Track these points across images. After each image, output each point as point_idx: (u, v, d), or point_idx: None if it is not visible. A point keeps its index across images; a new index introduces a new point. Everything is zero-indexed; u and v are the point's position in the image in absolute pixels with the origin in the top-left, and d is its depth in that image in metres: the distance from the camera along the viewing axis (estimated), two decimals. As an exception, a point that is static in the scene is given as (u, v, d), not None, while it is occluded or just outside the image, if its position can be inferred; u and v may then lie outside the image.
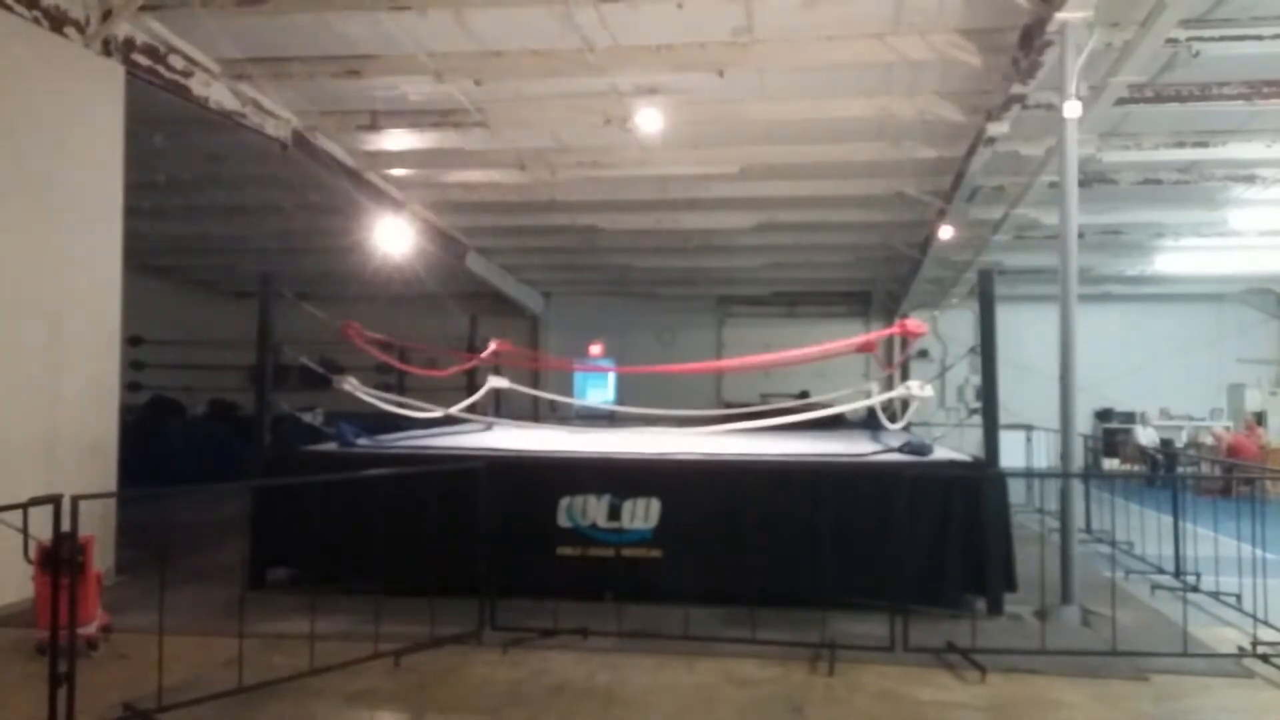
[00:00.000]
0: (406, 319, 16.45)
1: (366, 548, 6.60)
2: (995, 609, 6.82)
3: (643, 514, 7.12)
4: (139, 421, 14.29)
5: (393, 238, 12.60)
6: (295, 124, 10.32)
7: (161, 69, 8.38)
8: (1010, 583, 6.92)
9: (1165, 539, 8.41)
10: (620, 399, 18.43)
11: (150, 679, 4.78)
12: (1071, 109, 6.98)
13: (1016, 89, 8.29)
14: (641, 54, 8.46)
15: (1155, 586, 7.81)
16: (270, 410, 7.92)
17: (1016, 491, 10.46)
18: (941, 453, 8.02)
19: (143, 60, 8.16)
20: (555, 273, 19.34)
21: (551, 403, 15.06)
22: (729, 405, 17.29)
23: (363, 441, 8.28)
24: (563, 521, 7.18)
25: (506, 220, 14.84)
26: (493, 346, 12.12)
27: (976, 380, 9.97)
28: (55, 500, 4.33)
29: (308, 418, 8.69)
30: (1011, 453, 8.42)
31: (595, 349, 20.27)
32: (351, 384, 8.67)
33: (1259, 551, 6.45)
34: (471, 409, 10.83)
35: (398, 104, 9.96)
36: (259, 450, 7.77)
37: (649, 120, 9.51)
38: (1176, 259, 15.71)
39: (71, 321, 7.63)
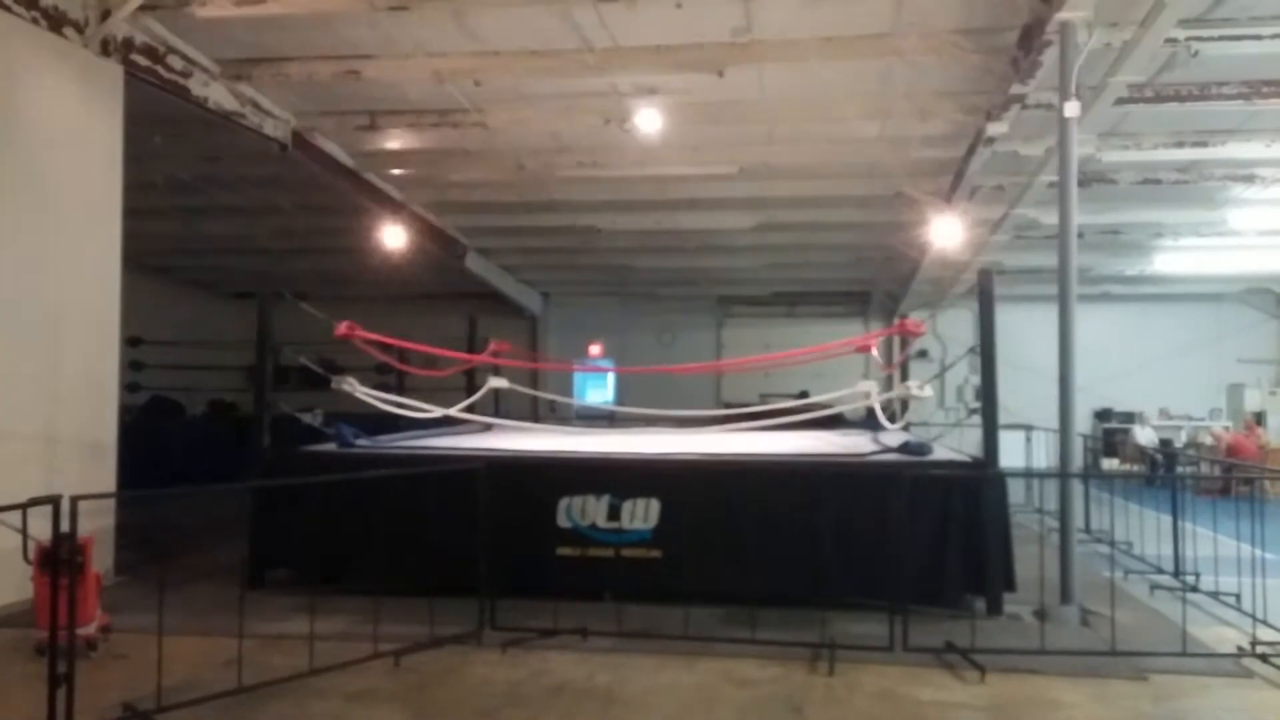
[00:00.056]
0: (406, 319, 16.45)
1: (366, 548, 6.60)
2: (995, 609, 6.82)
3: (642, 514, 7.12)
4: (138, 422, 14.28)
5: (392, 238, 12.61)
6: (294, 124, 10.33)
7: (160, 69, 8.38)
8: (1010, 583, 6.92)
9: (1164, 539, 8.42)
10: (620, 399, 18.44)
11: (149, 679, 4.78)
12: (1071, 109, 6.99)
13: (1016, 89, 8.29)
14: (641, 54, 8.46)
15: (1154, 586, 7.81)
16: (269, 411, 7.92)
17: (1016, 491, 10.47)
18: (941, 453, 8.03)
19: (141, 60, 8.16)
20: (554, 273, 19.33)
21: (551, 403, 15.07)
22: (728, 405, 17.28)
23: (362, 442, 8.28)
24: (562, 522, 7.19)
25: (506, 220, 14.83)
26: (492, 347, 12.12)
27: (976, 380, 9.98)
28: (54, 501, 4.32)
29: (307, 418, 8.69)
30: (1011, 453, 8.43)
31: (595, 349, 20.27)
32: (351, 384, 8.67)
33: (1258, 551, 6.46)
34: (471, 409, 10.83)
35: (397, 104, 9.95)
36: (258, 451, 7.77)
37: (648, 120, 9.51)
38: (1176, 259, 15.71)
39: (70, 322, 7.63)
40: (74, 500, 4.33)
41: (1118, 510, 9.69)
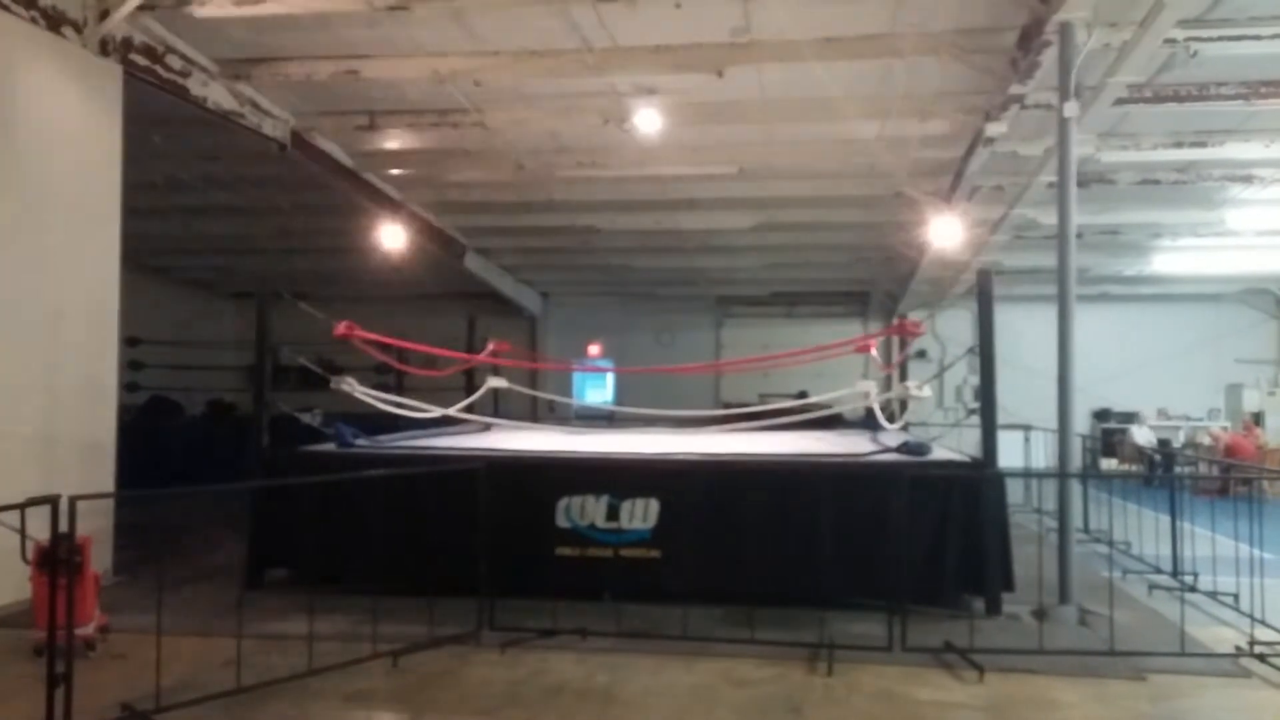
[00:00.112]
0: (405, 319, 16.45)
1: (365, 548, 6.61)
2: (993, 609, 6.82)
3: (641, 514, 7.12)
4: (137, 422, 14.26)
5: (391, 238, 12.60)
6: (293, 124, 10.32)
7: (159, 69, 8.37)
8: (1008, 582, 6.93)
9: (1163, 539, 8.42)
10: (619, 399, 18.43)
11: (148, 679, 4.78)
12: (1070, 109, 7.00)
13: (1015, 89, 8.29)
14: (640, 54, 8.46)
15: (1153, 586, 7.81)
16: (268, 411, 7.91)
17: (1014, 491, 10.48)
18: (940, 453, 8.03)
19: (140, 60, 8.16)
20: (554, 273, 19.33)
21: (550, 403, 15.07)
22: (728, 405, 17.29)
23: (361, 442, 8.27)
24: (561, 522, 7.18)
25: (505, 220, 14.83)
26: (491, 347, 12.12)
27: (975, 380, 9.99)
28: (53, 501, 4.32)
29: (306, 418, 8.69)
30: (1009, 453, 8.43)
31: (594, 349, 20.27)
32: (350, 384, 8.66)
33: (1256, 551, 6.46)
34: (470, 409, 10.83)
35: (396, 104, 9.95)
36: (257, 451, 7.76)
37: (648, 120, 9.51)
38: (1174, 259, 15.72)
39: (69, 322, 7.63)
40: (72, 500, 4.33)
41: (1116, 510, 9.69)
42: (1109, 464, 17.38)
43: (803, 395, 13.79)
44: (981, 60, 8.16)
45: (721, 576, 6.81)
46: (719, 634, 6.13)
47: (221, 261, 17.71)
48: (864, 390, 9.80)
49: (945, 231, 11.98)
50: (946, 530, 6.89)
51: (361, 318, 9.18)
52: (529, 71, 8.79)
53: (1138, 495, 10.01)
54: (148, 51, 8.23)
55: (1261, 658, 5.74)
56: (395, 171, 12.32)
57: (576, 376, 19.84)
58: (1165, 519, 8.47)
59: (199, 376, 17.31)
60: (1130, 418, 17.86)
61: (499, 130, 10.36)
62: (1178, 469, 15.09)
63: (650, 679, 5.45)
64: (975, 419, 7.65)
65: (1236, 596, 6.80)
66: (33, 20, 7.20)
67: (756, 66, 8.63)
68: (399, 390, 11.71)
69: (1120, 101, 8.49)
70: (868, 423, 11.21)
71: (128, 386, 14.56)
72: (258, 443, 7.78)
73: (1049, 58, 7.39)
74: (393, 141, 11.06)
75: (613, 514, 7.14)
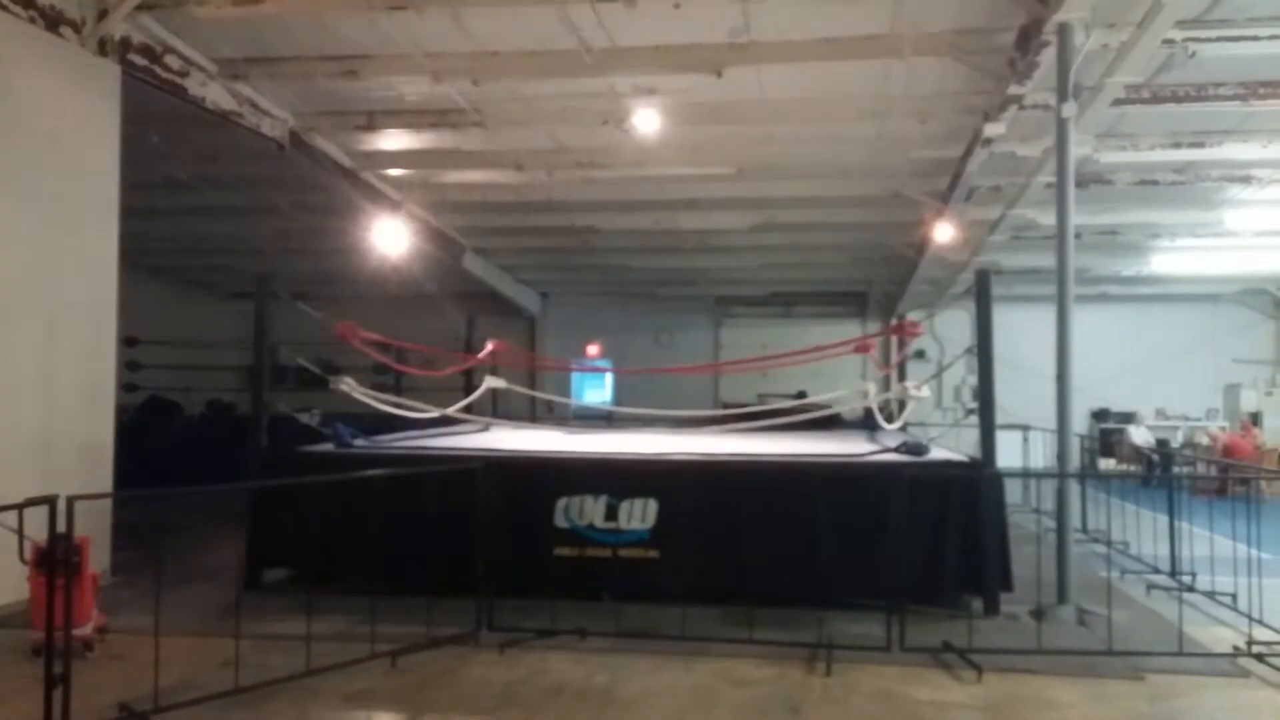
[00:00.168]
0: (403, 319, 16.41)
1: (363, 548, 6.60)
2: (991, 609, 6.82)
3: (640, 514, 7.12)
4: (135, 422, 14.25)
5: (389, 238, 12.57)
6: (292, 124, 10.31)
7: (158, 69, 8.36)
8: (1007, 582, 6.93)
9: (1161, 539, 8.43)
10: (618, 399, 18.44)
11: (146, 680, 4.78)
12: (1068, 110, 7.00)
13: (1013, 89, 8.29)
14: (639, 54, 8.45)
15: (1151, 586, 7.82)
16: (267, 411, 7.91)
17: (1013, 491, 10.48)
18: (938, 453, 8.03)
19: (139, 60, 8.15)
20: (552, 273, 19.33)
21: (549, 403, 15.06)
22: (726, 406, 17.29)
23: (360, 442, 8.27)
24: (560, 522, 7.18)
25: (504, 220, 14.83)
26: (490, 347, 12.11)
27: (973, 380, 10.00)
28: (51, 501, 4.32)
29: (304, 418, 8.68)
30: (1008, 453, 8.43)
31: (593, 349, 20.27)
32: (348, 384, 8.65)
33: (1254, 551, 6.47)
34: (469, 409, 10.82)
35: (395, 104, 9.94)
36: (256, 451, 7.75)
37: (646, 121, 9.51)
38: (1173, 259, 15.73)
39: (67, 322, 7.62)
40: (70, 500, 4.33)
41: (1114, 510, 9.70)
42: (1107, 464, 17.40)
43: (801, 395, 13.83)
44: (980, 61, 8.17)
45: (720, 576, 6.81)
46: (718, 634, 6.13)
47: (220, 261, 17.70)
48: (863, 390, 9.80)
49: (944, 232, 12.01)
50: (945, 530, 6.88)
51: (360, 318, 9.18)
52: (528, 72, 8.80)
53: (1136, 495, 10.02)
54: (146, 51, 8.22)
55: (1259, 657, 5.75)
56: (394, 171, 12.32)
57: (575, 376, 19.84)
58: (1163, 519, 8.47)
59: (197, 376, 17.29)
60: (1128, 418, 17.88)
61: (498, 130, 10.36)
62: (1176, 469, 15.10)
63: (649, 679, 5.45)
64: (974, 419, 7.65)
65: (1234, 596, 6.80)
66: (31, 20, 7.19)
67: (755, 67, 8.63)
68: (397, 390, 11.69)
69: (1118, 102, 8.50)
70: (866, 423, 11.23)
71: (126, 386, 14.52)
72: (256, 443, 7.77)
73: (1047, 58, 7.39)
74: (391, 141, 11.06)
75: (611, 514, 7.14)
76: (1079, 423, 14.21)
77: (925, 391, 9.49)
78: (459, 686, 5.34)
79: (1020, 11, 7.44)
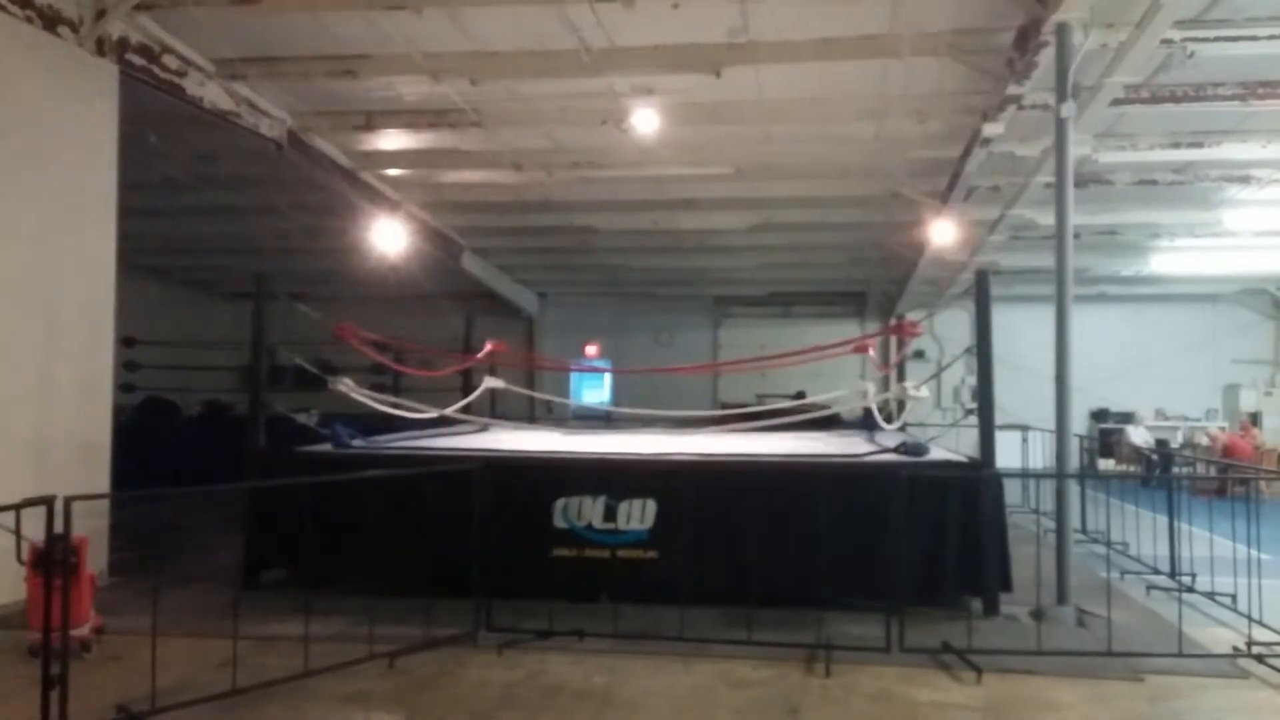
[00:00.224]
0: (402, 319, 16.40)
1: (361, 549, 6.59)
2: (991, 609, 6.82)
3: (638, 515, 7.11)
4: (132, 422, 14.23)
5: (388, 238, 12.57)
6: (290, 124, 10.30)
7: (155, 69, 8.35)
8: (1006, 583, 6.92)
9: (1161, 539, 8.42)
10: (616, 400, 18.44)
11: (143, 681, 4.76)
12: (1067, 110, 6.99)
13: (1012, 89, 8.28)
14: (637, 54, 8.45)
15: (1151, 587, 7.81)
16: (265, 411, 7.90)
17: (1012, 492, 10.47)
18: (937, 453, 8.03)
19: (137, 60, 8.13)
20: (551, 273, 19.32)
21: (547, 403, 15.06)
22: (725, 406, 17.29)
23: (358, 443, 8.26)
24: (558, 522, 7.17)
25: (502, 220, 14.82)
26: (488, 347, 12.10)
27: (972, 381, 10.02)
28: (48, 501, 4.31)
29: (302, 419, 8.67)
30: (1007, 453, 8.41)
31: (591, 349, 20.26)
32: (346, 385, 8.65)
33: (1254, 552, 6.46)
34: (467, 410, 10.81)
35: (393, 104, 9.93)
36: (253, 451, 7.74)
37: (645, 120, 9.50)
38: (1172, 259, 15.73)
39: (65, 322, 7.61)
40: (68, 501, 4.32)
41: (1114, 511, 9.69)
42: (1107, 464, 17.40)
43: (800, 396, 13.82)
44: (978, 61, 8.17)
45: (719, 577, 6.80)
46: (717, 635, 6.12)
47: (218, 262, 17.67)
48: (862, 391, 9.79)
49: (942, 232, 12.00)
50: (944, 531, 6.88)
51: (358, 318, 9.18)
52: (526, 72, 8.79)
53: (1135, 496, 10.02)
54: (144, 51, 8.21)
55: (1259, 658, 5.74)
56: (392, 171, 12.30)
57: (574, 377, 19.83)
58: (1163, 519, 8.47)
59: (195, 377, 17.27)
60: (1128, 418, 17.89)
61: (496, 130, 10.35)
62: (1175, 469, 15.10)
63: (648, 680, 5.44)
64: (973, 419, 7.65)
65: (1234, 597, 6.80)
66: (28, 20, 7.18)
67: (754, 67, 8.62)
68: (396, 391, 11.68)
69: (1117, 102, 8.49)
70: (865, 423, 11.22)
71: (123, 387, 14.48)
72: (254, 443, 7.76)
73: (1046, 58, 7.39)
74: (390, 141, 11.05)
75: (610, 515, 7.13)
76: (1078, 423, 14.20)
77: (924, 392, 9.49)
78: (457, 687, 5.33)
79: (1019, 11, 7.44)
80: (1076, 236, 8.53)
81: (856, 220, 14.03)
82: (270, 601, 6.77)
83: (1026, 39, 7.50)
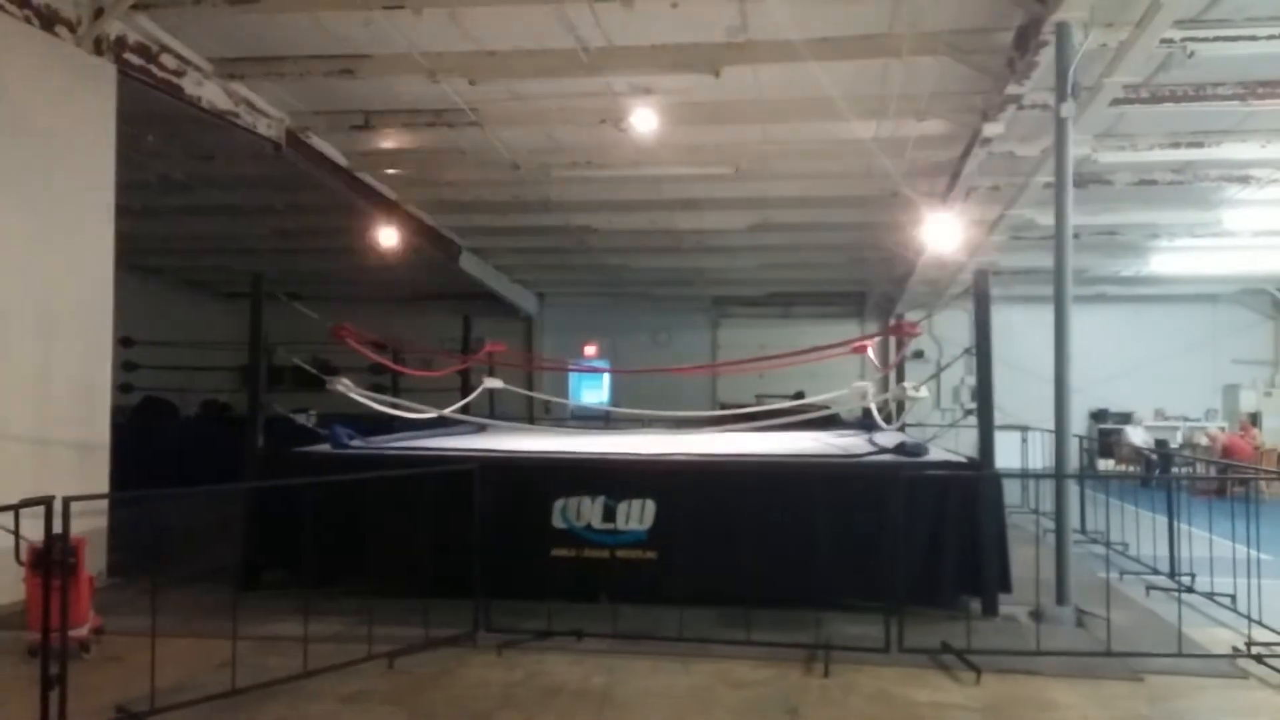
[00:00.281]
0: (400, 319, 16.42)
1: (360, 549, 6.59)
2: (990, 610, 6.81)
3: (638, 515, 7.10)
4: (131, 423, 14.21)
5: (386, 238, 12.58)
6: (288, 123, 10.29)
7: (153, 68, 8.34)
8: (1005, 583, 6.92)
9: (1160, 540, 8.42)
10: (615, 400, 18.43)
11: (143, 681, 4.75)
12: (1067, 109, 6.98)
13: (1012, 89, 8.28)
14: (636, 54, 8.44)
15: (1150, 587, 7.81)
16: (263, 411, 7.88)
17: (1012, 492, 10.47)
18: (936, 453, 8.03)
19: (134, 59, 8.12)
20: (550, 273, 19.31)
21: (546, 404, 15.05)
22: (724, 406, 17.27)
23: (356, 443, 8.25)
24: (557, 523, 7.16)
25: (500, 220, 14.80)
26: (487, 347, 12.10)
27: (972, 381, 10.01)
28: (47, 501, 4.30)
29: (301, 419, 8.65)
30: (1007, 453, 8.41)
31: (590, 350, 20.26)
32: (345, 385, 8.64)
33: (1253, 552, 6.46)
34: (465, 410, 10.81)
35: (391, 103, 9.92)
36: (252, 452, 7.73)
37: (644, 120, 9.50)
38: (1171, 260, 15.74)
39: (63, 322, 7.59)
40: (66, 501, 4.31)
41: (1113, 511, 9.69)
42: (1106, 464, 17.40)
43: (799, 396, 13.80)
44: (978, 60, 8.16)
45: (718, 578, 6.79)
46: (716, 635, 6.11)
47: (216, 261, 17.68)
48: (861, 391, 9.79)
49: (942, 232, 11.98)
50: (943, 531, 6.87)
51: (357, 318, 9.19)
52: (525, 71, 8.78)
53: (1135, 496, 10.01)
54: (142, 51, 8.20)
55: (1259, 658, 5.74)
56: (390, 171, 12.29)
57: (572, 377, 19.83)
58: (1162, 520, 8.46)
59: (193, 377, 17.25)
60: (1127, 418, 17.89)
61: (494, 130, 10.34)
62: (1175, 469, 15.10)
63: (647, 680, 5.43)
64: (972, 419, 7.64)
65: (1234, 597, 6.79)
66: (26, 19, 7.17)
67: (753, 66, 8.62)
68: (394, 391, 11.68)
69: (1117, 102, 8.49)
70: (865, 423, 11.22)
71: (122, 387, 14.45)
72: (252, 444, 7.75)
73: (1046, 58, 7.38)
74: (388, 141, 11.04)
75: (609, 515, 7.12)
76: (1078, 423, 14.23)
77: (924, 392, 9.48)
78: (456, 688, 5.32)
79: (1019, 11, 7.43)
80: (1076, 236, 8.52)
81: (856, 220, 14.03)
82: (270, 601, 6.77)
83: (1026, 38, 7.50)
